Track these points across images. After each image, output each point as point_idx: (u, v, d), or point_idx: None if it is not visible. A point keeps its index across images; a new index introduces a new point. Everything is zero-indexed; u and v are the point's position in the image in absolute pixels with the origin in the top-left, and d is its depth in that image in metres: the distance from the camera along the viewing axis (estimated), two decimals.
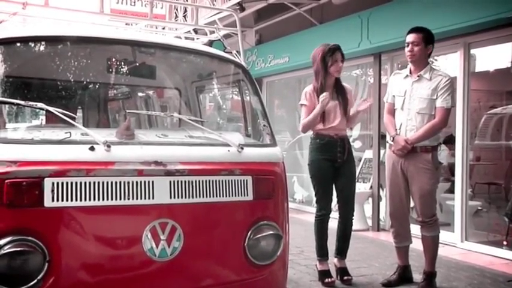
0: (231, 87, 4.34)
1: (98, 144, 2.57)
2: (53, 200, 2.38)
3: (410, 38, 4.48)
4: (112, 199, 2.50)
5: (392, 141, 4.58)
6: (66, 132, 2.61)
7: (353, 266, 5.11)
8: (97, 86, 4.37)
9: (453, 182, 6.60)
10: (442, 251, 5.01)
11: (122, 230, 2.58)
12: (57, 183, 2.39)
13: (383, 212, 7.34)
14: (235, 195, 2.83)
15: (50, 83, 3.67)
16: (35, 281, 2.33)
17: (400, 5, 6.78)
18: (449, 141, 6.98)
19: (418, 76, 4.49)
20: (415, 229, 4.69)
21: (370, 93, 8.05)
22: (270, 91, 10.93)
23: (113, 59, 3.43)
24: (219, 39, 4.64)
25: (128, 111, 4.50)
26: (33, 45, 3.08)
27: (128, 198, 2.53)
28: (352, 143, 7.99)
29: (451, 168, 6.78)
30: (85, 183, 2.45)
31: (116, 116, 5.21)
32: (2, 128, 2.84)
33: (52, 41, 3.12)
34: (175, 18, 10.95)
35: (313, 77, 4.75)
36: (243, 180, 2.87)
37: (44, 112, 2.98)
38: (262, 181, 2.95)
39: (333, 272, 4.77)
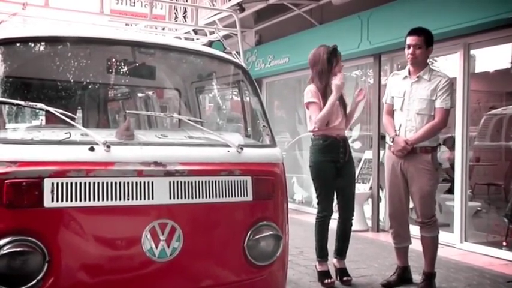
0: (230, 88, 4.34)
1: (97, 144, 2.57)
2: (52, 201, 2.38)
3: (412, 40, 4.46)
4: (112, 199, 2.50)
5: (392, 142, 4.59)
6: (65, 133, 2.61)
7: (352, 267, 5.11)
8: (97, 87, 4.37)
9: (453, 183, 6.60)
10: (441, 251, 5.01)
11: (121, 231, 2.58)
12: (57, 184, 2.39)
13: (382, 213, 7.34)
14: (235, 196, 2.83)
15: (50, 84, 3.67)
16: (35, 281, 2.33)
17: (400, 5, 6.78)
18: (449, 142, 6.99)
19: (417, 77, 4.49)
20: (415, 230, 4.69)
21: (370, 94, 8.05)
22: (270, 92, 10.93)
23: (113, 60, 3.43)
24: (219, 40, 4.64)
25: (127, 111, 4.51)
26: (33, 45, 3.09)
27: (128, 199, 2.53)
28: (351, 144, 8.03)
29: (449, 171, 6.80)
30: (85, 183, 2.45)
31: (115, 116, 5.21)
32: (1, 128, 2.84)
33: (52, 41, 3.12)
34: (175, 18, 10.96)
35: (315, 77, 4.72)
36: (243, 181, 2.87)
37: (44, 112, 2.98)
38: (262, 182, 2.95)
39: (333, 273, 4.78)
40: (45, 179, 2.38)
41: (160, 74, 3.93)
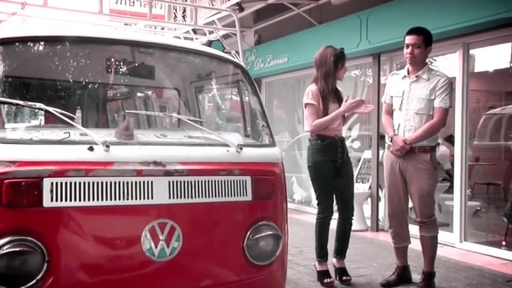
0: (230, 88, 4.34)
1: (97, 144, 2.56)
2: (52, 200, 2.38)
3: (411, 40, 4.46)
4: (111, 199, 2.49)
5: (391, 141, 4.59)
6: (65, 133, 2.61)
7: (352, 266, 5.11)
8: (96, 86, 4.37)
9: (452, 183, 6.61)
10: (441, 251, 5.01)
11: (121, 230, 2.58)
12: (56, 184, 2.39)
13: (382, 213, 7.34)
14: (234, 196, 2.83)
15: (49, 83, 3.67)
16: (34, 281, 2.33)
17: (399, 5, 6.78)
18: (449, 141, 7.00)
19: (416, 77, 4.49)
20: (414, 229, 4.69)
21: (369, 93, 8.06)
22: (269, 91, 10.93)
23: (112, 59, 3.43)
24: (218, 40, 4.64)
25: (127, 111, 4.51)
26: (32, 45, 3.08)
27: (127, 199, 2.53)
28: (351, 144, 8.05)
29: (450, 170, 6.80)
30: (84, 183, 2.45)
31: (115, 116, 5.21)
32: (1, 128, 2.84)
33: (51, 41, 3.12)
34: (174, 18, 10.96)
35: (319, 78, 4.71)
36: (242, 181, 2.86)
37: (43, 112, 2.98)
38: (261, 181, 2.95)
39: (332, 272, 4.78)
40: (45, 179, 2.37)
41: (160, 73, 3.92)
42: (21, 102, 2.70)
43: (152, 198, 2.59)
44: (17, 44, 3.02)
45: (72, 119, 2.73)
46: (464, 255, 6.01)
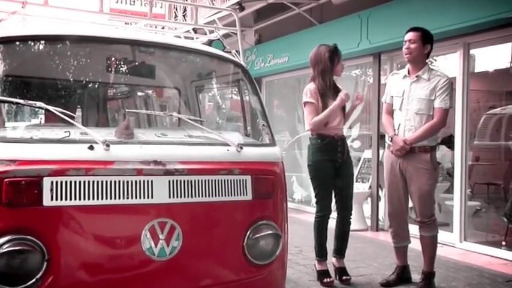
0: (230, 87, 4.34)
1: (97, 143, 2.56)
2: (52, 199, 2.38)
3: (408, 36, 4.51)
4: (111, 198, 2.49)
5: (391, 141, 4.59)
6: (65, 132, 2.61)
7: (352, 266, 5.12)
8: (96, 85, 4.37)
9: (452, 182, 6.61)
10: (440, 251, 5.02)
11: (121, 230, 2.58)
12: (56, 183, 2.39)
13: (382, 212, 7.34)
14: (234, 195, 2.83)
15: (49, 82, 3.67)
16: (34, 280, 2.33)
17: (400, 5, 6.78)
18: (448, 141, 7.00)
19: (416, 76, 4.49)
20: (414, 229, 4.69)
21: (370, 93, 8.06)
22: (270, 91, 10.93)
23: (113, 58, 3.43)
24: (219, 39, 4.63)
25: (127, 110, 4.51)
26: (32, 44, 3.08)
27: (127, 198, 2.53)
28: (351, 143, 8.05)
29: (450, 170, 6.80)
30: (84, 182, 2.45)
31: (115, 115, 5.21)
32: (1, 127, 2.84)
33: (51, 40, 3.12)
34: (174, 17, 10.96)
35: (316, 76, 4.72)
36: (242, 180, 2.86)
37: (43, 111, 2.98)
38: (262, 181, 2.95)
39: (332, 272, 4.78)
40: (45, 178, 2.37)
41: (160, 73, 3.92)
42: (21, 101, 2.70)
43: (152, 197, 2.59)
44: (17, 43, 3.02)
45: (73, 118, 2.72)
46: (464, 255, 6.01)
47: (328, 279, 4.67)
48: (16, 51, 3.05)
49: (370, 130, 7.92)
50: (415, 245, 4.74)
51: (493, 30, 5.87)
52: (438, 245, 4.64)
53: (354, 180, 5.09)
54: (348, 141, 5.42)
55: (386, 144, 4.79)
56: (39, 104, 2.71)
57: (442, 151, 6.97)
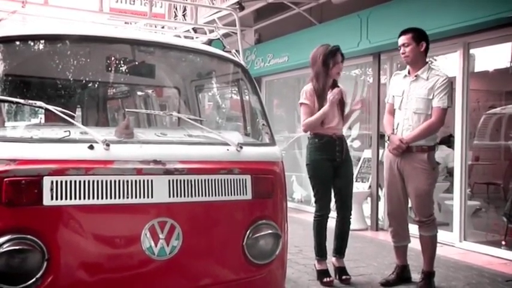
0: (230, 87, 4.34)
1: (97, 143, 2.56)
2: (52, 199, 2.38)
3: (401, 40, 4.52)
4: (111, 198, 2.49)
5: (389, 140, 4.60)
6: (65, 131, 2.61)
7: (352, 266, 5.12)
8: (96, 85, 4.37)
9: (452, 182, 6.61)
10: (440, 250, 5.02)
11: (120, 229, 2.58)
12: (56, 182, 2.39)
13: (382, 212, 7.34)
14: (234, 194, 2.83)
15: (49, 82, 3.67)
16: (34, 279, 2.33)
17: (400, 4, 6.78)
18: (447, 141, 7.00)
19: (415, 76, 4.49)
20: (414, 229, 4.69)
21: (369, 93, 8.06)
22: (269, 90, 10.93)
23: (112, 58, 3.43)
24: (219, 38, 4.63)
25: (127, 110, 4.51)
26: (32, 43, 3.08)
27: (127, 197, 2.53)
28: (351, 143, 8.05)
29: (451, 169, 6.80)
30: (84, 181, 2.45)
31: (115, 114, 5.21)
32: (1, 127, 2.84)
33: (51, 39, 3.12)
34: (174, 17, 10.95)
35: (313, 77, 4.74)
36: (242, 179, 2.87)
37: (43, 111, 2.98)
38: (261, 180, 2.95)
39: (332, 271, 4.78)
40: (45, 177, 2.37)
41: (160, 72, 3.92)
42: (21, 101, 2.70)
43: (152, 196, 2.59)
44: (17, 42, 3.02)
45: (73, 117, 2.72)
46: (464, 254, 6.02)
47: (328, 279, 4.67)
48: (16, 51, 3.04)
49: (370, 130, 7.92)
50: (414, 244, 4.74)
51: (493, 30, 5.88)
52: (438, 244, 4.65)
53: (354, 179, 5.10)
54: (348, 141, 5.43)
55: (386, 144, 4.80)
56: (39, 103, 2.71)
57: (445, 151, 6.97)
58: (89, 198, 2.45)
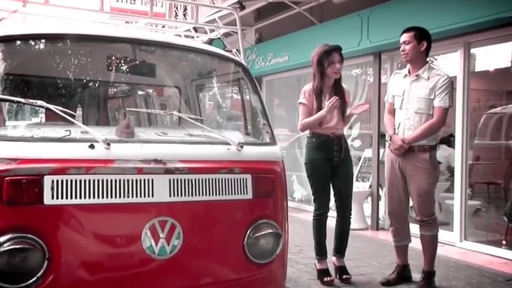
0: (231, 86, 4.34)
1: (97, 142, 2.57)
2: (52, 198, 2.38)
3: (402, 38, 4.53)
4: (112, 197, 2.50)
5: (390, 140, 4.59)
6: (66, 130, 2.61)
7: (352, 265, 5.12)
8: (97, 84, 4.37)
9: (452, 182, 6.61)
10: (441, 250, 5.02)
11: (121, 228, 2.58)
12: (57, 181, 2.39)
13: (382, 211, 7.35)
14: (235, 194, 2.83)
15: (50, 81, 3.67)
16: (35, 278, 2.33)
17: (400, 4, 6.78)
18: (448, 140, 6.99)
19: (416, 76, 4.49)
20: (414, 228, 4.69)
21: (370, 92, 8.05)
22: (270, 90, 10.93)
23: (113, 57, 3.43)
24: (219, 38, 4.64)
25: (127, 109, 4.51)
26: (33, 43, 3.08)
27: (128, 196, 2.53)
28: (351, 142, 8.05)
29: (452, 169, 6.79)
30: (85, 181, 2.45)
31: (115, 114, 5.21)
32: (1, 126, 2.84)
33: (52, 39, 3.12)
34: (175, 16, 10.95)
35: (312, 77, 4.76)
36: (243, 179, 2.87)
37: (44, 110, 2.98)
38: (262, 180, 2.95)
39: (332, 271, 4.78)
40: (45, 177, 2.38)
41: (161, 71, 3.92)
42: (22, 100, 2.70)
43: (153, 196, 2.59)
44: (18, 41, 3.02)
45: (73, 116, 2.72)
46: (464, 254, 6.02)
47: (328, 278, 4.67)
48: (17, 50, 3.05)
49: (371, 129, 7.92)
50: (415, 244, 4.74)
51: (494, 30, 5.87)
52: (438, 244, 4.65)
53: (354, 179, 5.10)
54: (349, 141, 5.43)
55: (386, 143, 4.80)
56: (39, 102, 2.71)
57: (448, 150, 6.97)
58: (89, 197, 2.45)
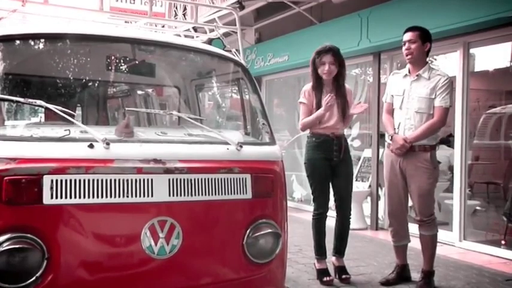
0: (230, 86, 4.34)
1: (97, 141, 2.57)
2: (52, 197, 2.38)
3: (407, 36, 4.51)
4: (111, 197, 2.50)
5: (391, 140, 4.59)
6: (65, 130, 2.61)
7: (351, 265, 5.12)
8: (96, 84, 4.36)
9: (452, 182, 6.61)
10: (440, 250, 5.02)
11: (120, 228, 2.58)
12: (56, 181, 2.39)
13: (381, 211, 7.35)
14: (234, 194, 2.83)
15: (50, 81, 3.67)
16: (34, 278, 2.33)
17: (400, 4, 6.78)
18: (447, 140, 6.99)
19: (416, 75, 4.49)
20: (414, 228, 4.69)
21: (370, 92, 8.05)
22: (269, 90, 10.93)
23: (113, 57, 3.42)
24: (219, 38, 4.65)
25: (127, 109, 4.51)
26: (32, 42, 3.08)
27: (127, 196, 2.53)
28: (351, 142, 8.04)
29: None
30: (84, 180, 2.45)
31: (115, 113, 5.21)
32: (1, 125, 2.84)
33: (51, 38, 3.12)
34: (174, 16, 10.94)
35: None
36: (242, 179, 2.87)
37: (43, 109, 2.98)
38: (261, 179, 2.95)
39: (331, 271, 4.78)
40: (45, 176, 2.38)
41: (160, 71, 3.92)
42: (21, 100, 2.70)
43: (152, 195, 2.59)
44: (17, 41, 3.02)
45: (73, 116, 2.72)
46: (464, 254, 6.02)
47: (328, 278, 4.67)
48: (16, 50, 3.04)
49: (370, 129, 7.92)
50: (414, 243, 4.74)
51: (493, 30, 5.87)
52: (438, 244, 4.65)
53: (354, 179, 5.09)
54: (348, 140, 5.43)
55: (386, 143, 4.80)
56: (39, 102, 2.72)
57: (449, 150, 6.97)
58: (89, 197, 2.45)
